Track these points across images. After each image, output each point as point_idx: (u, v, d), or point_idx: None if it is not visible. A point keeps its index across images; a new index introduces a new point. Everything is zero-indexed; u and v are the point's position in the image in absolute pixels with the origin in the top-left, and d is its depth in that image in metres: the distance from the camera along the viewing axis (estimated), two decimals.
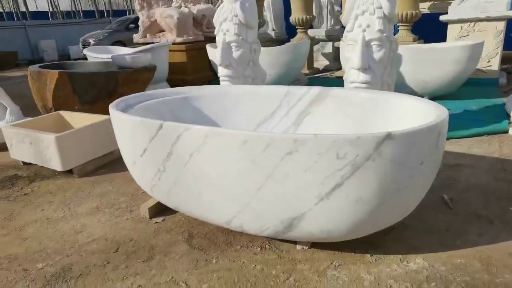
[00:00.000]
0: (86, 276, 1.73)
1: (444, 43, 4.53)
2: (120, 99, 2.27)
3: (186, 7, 6.61)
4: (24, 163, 3.06)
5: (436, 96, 4.42)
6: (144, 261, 1.82)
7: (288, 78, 5.51)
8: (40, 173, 2.92)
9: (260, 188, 1.52)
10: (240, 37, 3.48)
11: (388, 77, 3.03)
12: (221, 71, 3.61)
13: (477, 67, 5.23)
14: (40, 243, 2.01)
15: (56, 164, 2.74)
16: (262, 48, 5.36)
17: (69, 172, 2.84)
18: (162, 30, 6.62)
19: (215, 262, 1.77)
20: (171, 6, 6.59)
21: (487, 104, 4.13)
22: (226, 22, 3.51)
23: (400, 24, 5.62)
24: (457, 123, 3.52)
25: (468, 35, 5.25)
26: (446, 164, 2.68)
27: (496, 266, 1.61)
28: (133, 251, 1.90)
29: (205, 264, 1.76)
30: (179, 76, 6.23)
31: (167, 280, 1.67)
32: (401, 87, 4.36)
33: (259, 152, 1.46)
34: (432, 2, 6.75)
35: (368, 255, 1.73)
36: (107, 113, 2.16)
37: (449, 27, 5.37)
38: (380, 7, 2.81)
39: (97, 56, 5.66)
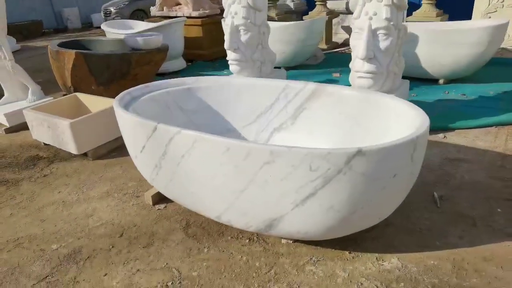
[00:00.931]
0: (93, 258, 1.96)
1: (464, 22, 4.31)
2: (125, 91, 2.40)
3: None
4: (45, 143, 3.30)
5: (453, 79, 4.28)
6: (144, 247, 2.02)
7: (304, 54, 5.44)
8: (59, 154, 3.16)
9: (243, 191, 1.64)
10: (248, 21, 3.47)
11: (395, 66, 2.99)
12: (230, 55, 3.65)
13: (503, 46, 4.98)
14: (56, 225, 2.25)
15: (71, 148, 2.96)
16: (277, 24, 5.30)
17: (84, 154, 3.06)
18: (178, 3, 6.60)
19: (206, 251, 1.94)
20: None
21: (506, 89, 3.98)
22: (235, 4, 3.50)
23: None
24: (468, 111, 3.45)
25: (496, 11, 4.96)
26: (446, 158, 2.69)
27: (467, 269, 1.69)
28: (135, 236, 2.10)
29: (197, 253, 1.94)
30: (196, 51, 6.28)
31: (162, 266, 1.87)
32: (416, 70, 4.26)
33: (241, 159, 1.56)
34: None
35: (347, 252, 1.84)
36: None
37: (476, 1, 5.08)
38: None
39: (115, 31, 5.76)
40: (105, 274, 1.85)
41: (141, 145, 1.98)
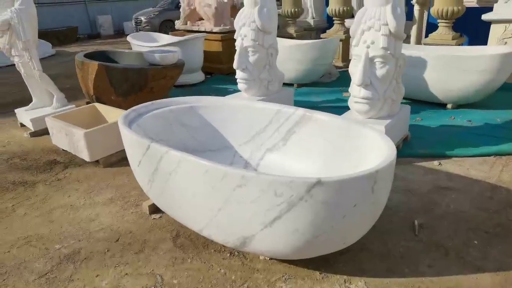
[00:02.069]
0: (89, 260, 2.17)
1: (474, 48, 4.31)
2: (131, 109, 2.63)
3: None
4: (63, 149, 3.59)
5: (461, 104, 4.28)
6: (135, 253, 2.21)
7: (317, 73, 5.56)
8: (74, 160, 3.43)
9: (220, 209, 1.80)
10: (257, 43, 3.66)
11: (392, 93, 3.08)
12: (238, 74, 3.86)
13: None
14: (62, 226, 2.49)
15: (85, 155, 3.22)
16: (289, 43, 5.47)
17: (97, 161, 3.32)
18: (201, 18, 6.91)
19: (190, 261, 2.11)
20: None
21: None
22: (245, 27, 3.70)
23: (439, 20, 5.36)
24: (469, 139, 3.45)
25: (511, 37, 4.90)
26: (436, 186, 2.74)
27: None
28: (129, 243, 2.30)
29: (181, 262, 2.10)
30: (215, 64, 6.54)
31: (148, 272, 2.05)
32: (424, 93, 4.30)
33: (218, 181, 1.72)
34: None
35: (318, 272, 1.95)
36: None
37: (492, 26, 5.03)
38: (386, 24, 2.83)
39: (139, 44, 6.11)
40: (97, 275, 2.05)
41: (138, 160, 2.19)
